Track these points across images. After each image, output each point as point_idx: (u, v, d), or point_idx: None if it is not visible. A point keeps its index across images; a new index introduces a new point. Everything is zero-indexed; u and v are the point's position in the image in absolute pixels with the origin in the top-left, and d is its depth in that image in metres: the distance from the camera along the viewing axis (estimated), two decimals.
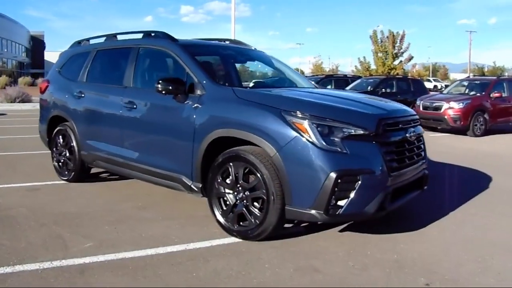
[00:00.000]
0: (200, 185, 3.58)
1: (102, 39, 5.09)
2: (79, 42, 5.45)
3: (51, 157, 5.35)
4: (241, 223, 3.32)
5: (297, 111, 3.09)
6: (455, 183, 5.64)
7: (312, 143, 2.99)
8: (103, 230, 3.49)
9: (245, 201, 3.28)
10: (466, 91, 12.54)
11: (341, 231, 3.57)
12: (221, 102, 3.49)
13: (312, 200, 2.99)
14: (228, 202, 3.39)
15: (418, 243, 3.34)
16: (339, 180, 2.95)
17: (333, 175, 2.94)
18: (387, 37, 26.26)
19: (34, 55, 71.35)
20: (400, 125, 3.45)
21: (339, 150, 3.00)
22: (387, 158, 3.18)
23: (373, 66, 27.41)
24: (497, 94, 11.51)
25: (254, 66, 4.90)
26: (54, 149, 5.24)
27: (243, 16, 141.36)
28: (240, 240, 3.30)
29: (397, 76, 18.19)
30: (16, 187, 4.85)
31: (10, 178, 5.25)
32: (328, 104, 3.35)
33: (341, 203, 3.01)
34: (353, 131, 3.07)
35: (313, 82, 4.93)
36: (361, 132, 3.09)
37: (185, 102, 3.66)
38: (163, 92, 3.62)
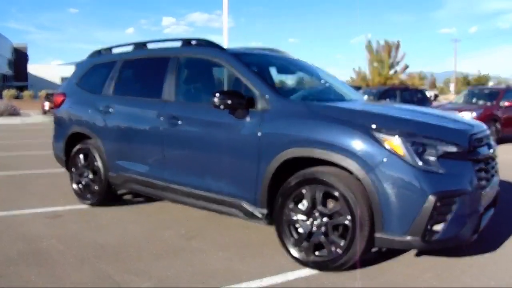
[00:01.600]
0: (266, 211, 3.19)
1: (126, 48, 4.67)
2: (99, 52, 5.00)
3: (70, 178, 4.84)
4: (316, 252, 2.94)
5: (388, 128, 2.75)
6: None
7: (408, 162, 2.66)
8: (155, 266, 3.03)
9: (323, 228, 2.90)
10: (475, 101, 12.46)
11: (417, 255, 3.23)
12: (292, 118, 3.12)
13: (407, 226, 2.66)
14: (301, 230, 3.01)
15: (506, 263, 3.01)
16: (438, 203, 2.64)
17: (432, 197, 2.62)
18: (383, 46, 26.41)
19: (17, 67, 69.78)
20: (484, 141, 3.18)
21: (436, 169, 2.68)
22: (479, 176, 2.89)
23: (368, 76, 27.47)
24: (507, 103, 11.43)
25: (299, 77, 4.52)
26: (73, 169, 4.75)
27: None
28: (317, 271, 2.92)
29: (400, 86, 18.11)
30: (36, 214, 4.34)
31: (26, 203, 4.74)
32: (418, 120, 3.02)
33: (437, 227, 2.71)
34: (447, 148, 2.76)
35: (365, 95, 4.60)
36: (455, 149, 2.79)
37: (246, 118, 3.27)
38: (221, 106, 3.24)
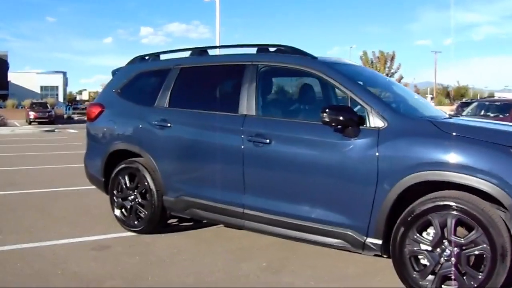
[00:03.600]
0: (380, 242, 2.78)
1: (179, 54, 4.15)
2: (142, 58, 4.43)
3: (111, 202, 4.24)
4: (442, 286, 2.58)
5: None
6: None
7: None
8: None
9: (453, 259, 2.52)
10: (484, 113, 12.34)
11: None
12: (419, 137, 2.72)
13: None
14: (425, 262, 2.63)
15: None
16: None
17: None
18: (378, 57, 26.47)
19: None
20: None
21: None
22: None
23: None
24: None
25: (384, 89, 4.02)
26: (115, 192, 4.15)
27: (203, 38, 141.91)
28: None
29: None
30: (77, 245, 3.74)
31: (57, 231, 4.12)
32: None
33: None
34: None
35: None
36: None
37: (357, 137, 2.83)
38: (333, 123, 2.82)
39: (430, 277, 2.61)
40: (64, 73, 68.34)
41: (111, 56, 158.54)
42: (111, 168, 4.20)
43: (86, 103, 75.95)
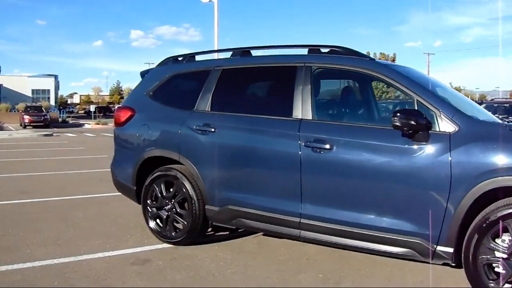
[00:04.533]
0: (452, 250, 2.66)
1: (217, 55, 3.95)
2: (175, 59, 4.19)
3: (143, 212, 3.99)
4: None
5: None
6: None
7: None
8: None
9: None
10: (494, 115, 12.30)
11: None
12: (493, 142, 2.59)
13: None
14: (501, 270, 2.50)
15: None
16: None
17: None
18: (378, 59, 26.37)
19: None
20: None
21: None
22: None
23: None
24: None
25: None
26: (149, 201, 3.90)
27: (194, 41, 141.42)
28: None
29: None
30: (113, 259, 3.49)
31: (88, 243, 3.87)
32: None
33: None
34: None
35: None
36: None
37: (427, 142, 2.71)
38: (404, 128, 2.68)
39: (507, 286, 2.47)
40: (56, 76, 67.43)
41: (101, 59, 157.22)
42: (143, 175, 3.97)
43: (78, 106, 75.51)
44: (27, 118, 27.18)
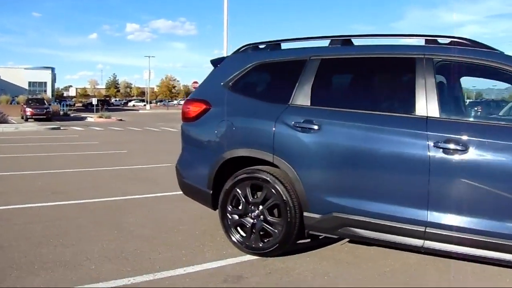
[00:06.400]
0: None
1: (309, 43, 3.41)
2: (255, 47, 3.64)
3: (222, 220, 3.45)
4: None
5: None
6: None
7: None
8: None
9: None
10: None
11: None
12: None
13: None
14: None
15: None
16: None
17: None
18: None
19: None
20: None
21: None
22: None
23: None
24: None
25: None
26: (230, 207, 3.39)
27: (189, 35, 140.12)
28: None
29: None
30: (200, 275, 2.96)
31: (160, 256, 3.34)
32: None
33: None
34: None
35: None
36: None
37: None
38: None
39: None
40: (53, 69, 66.30)
41: (96, 52, 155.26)
42: (220, 178, 3.45)
43: (74, 99, 74.00)
44: (29, 110, 26.40)
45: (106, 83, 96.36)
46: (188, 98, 3.95)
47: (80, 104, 59.53)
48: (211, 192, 3.49)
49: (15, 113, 28.18)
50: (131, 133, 18.53)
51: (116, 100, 72.07)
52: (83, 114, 35.14)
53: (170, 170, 7.96)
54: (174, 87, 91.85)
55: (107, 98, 66.84)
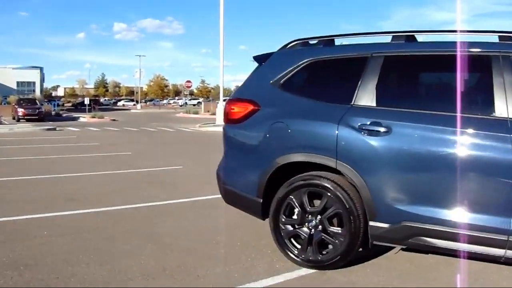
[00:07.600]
0: None
1: (365, 39, 3.17)
2: (305, 42, 3.37)
3: (275, 231, 3.18)
4: None
5: None
6: None
7: None
8: None
9: None
10: None
11: None
12: None
13: None
14: None
15: None
16: None
17: None
18: None
19: None
20: None
21: None
22: None
23: None
24: None
25: None
26: (284, 218, 3.12)
27: (176, 34, 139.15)
28: None
29: None
30: None
31: (206, 272, 3.05)
32: None
33: None
34: None
35: None
36: None
37: None
38: None
39: None
40: (41, 69, 65.17)
41: (84, 51, 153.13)
42: (276, 186, 3.16)
43: (63, 99, 72.57)
44: (21, 111, 25.73)
45: (95, 83, 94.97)
46: (231, 97, 3.65)
47: (70, 104, 58.48)
48: (261, 200, 3.22)
49: (7, 114, 27.51)
50: (129, 133, 18.10)
51: (105, 100, 71.09)
52: (75, 114, 34.40)
53: (185, 174, 7.66)
54: (166, 86, 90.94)
55: (97, 98, 65.88)
